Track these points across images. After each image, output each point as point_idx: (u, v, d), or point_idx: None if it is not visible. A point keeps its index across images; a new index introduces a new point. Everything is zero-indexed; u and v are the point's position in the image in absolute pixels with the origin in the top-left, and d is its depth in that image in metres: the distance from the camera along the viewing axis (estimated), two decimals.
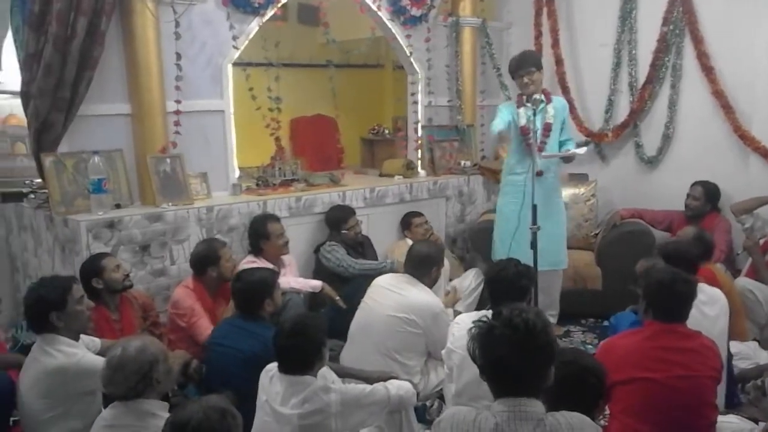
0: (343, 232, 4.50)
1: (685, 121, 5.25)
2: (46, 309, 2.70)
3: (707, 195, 4.81)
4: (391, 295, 3.60)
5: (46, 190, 3.91)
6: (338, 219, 4.55)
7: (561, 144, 4.34)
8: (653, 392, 2.53)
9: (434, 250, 3.80)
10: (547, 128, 4.20)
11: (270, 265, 3.91)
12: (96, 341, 3.01)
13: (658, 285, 2.70)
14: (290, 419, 2.46)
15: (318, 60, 5.94)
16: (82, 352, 2.72)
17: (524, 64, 4.22)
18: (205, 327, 3.56)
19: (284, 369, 2.54)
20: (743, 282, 4.17)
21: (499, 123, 4.22)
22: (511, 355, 1.88)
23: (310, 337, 2.53)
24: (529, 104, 4.11)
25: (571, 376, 2.26)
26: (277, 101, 4.52)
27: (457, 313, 3.95)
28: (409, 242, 4.80)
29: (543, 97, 4.13)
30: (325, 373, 2.62)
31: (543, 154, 4.09)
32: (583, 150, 4.16)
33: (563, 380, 2.11)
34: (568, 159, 4.27)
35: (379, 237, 4.89)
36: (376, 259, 4.65)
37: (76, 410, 2.67)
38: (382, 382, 2.78)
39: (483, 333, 1.95)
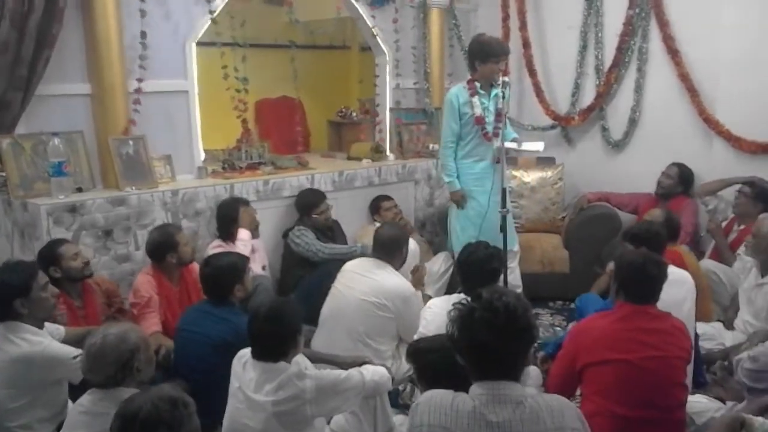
0: (314, 216, 4.43)
1: (651, 105, 5.28)
2: (9, 295, 2.60)
3: (681, 177, 4.84)
4: (362, 279, 3.57)
5: (3, 174, 3.77)
6: (309, 204, 4.46)
7: None
8: (626, 373, 2.55)
9: (400, 231, 3.82)
10: (500, 114, 4.19)
11: (238, 250, 3.84)
12: (60, 329, 2.91)
13: (630, 267, 2.72)
14: (264, 406, 2.42)
15: (283, 40, 5.84)
16: (47, 341, 2.63)
17: (502, 53, 4.25)
18: (151, 324, 3.45)
19: (258, 355, 2.49)
20: (707, 264, 4.26)
21: (448, 171, 4.43)
22: (491, 339, 1.85)
23: (286, 323, 2.48)
24: (482, 92, 4.25)
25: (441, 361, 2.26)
26: (245, 82, 4.42)
27: (427, 297, 3.94)
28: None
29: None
30: (299, 359, 2.57)
31: (498, 143, 4.07)
32: (540, 146, 4.18)
33: (436, 365, 2.26)
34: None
35: (348, 221, 4.83)
36: (346, 244, 4.61)
37: (42, 400, 2.59)
38: (357, 368, 2.74)
39: (463, 316, 1.92)
